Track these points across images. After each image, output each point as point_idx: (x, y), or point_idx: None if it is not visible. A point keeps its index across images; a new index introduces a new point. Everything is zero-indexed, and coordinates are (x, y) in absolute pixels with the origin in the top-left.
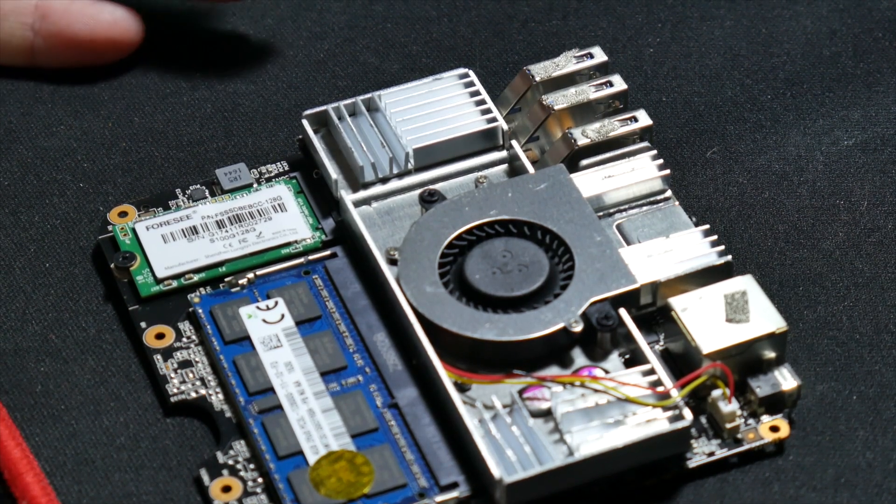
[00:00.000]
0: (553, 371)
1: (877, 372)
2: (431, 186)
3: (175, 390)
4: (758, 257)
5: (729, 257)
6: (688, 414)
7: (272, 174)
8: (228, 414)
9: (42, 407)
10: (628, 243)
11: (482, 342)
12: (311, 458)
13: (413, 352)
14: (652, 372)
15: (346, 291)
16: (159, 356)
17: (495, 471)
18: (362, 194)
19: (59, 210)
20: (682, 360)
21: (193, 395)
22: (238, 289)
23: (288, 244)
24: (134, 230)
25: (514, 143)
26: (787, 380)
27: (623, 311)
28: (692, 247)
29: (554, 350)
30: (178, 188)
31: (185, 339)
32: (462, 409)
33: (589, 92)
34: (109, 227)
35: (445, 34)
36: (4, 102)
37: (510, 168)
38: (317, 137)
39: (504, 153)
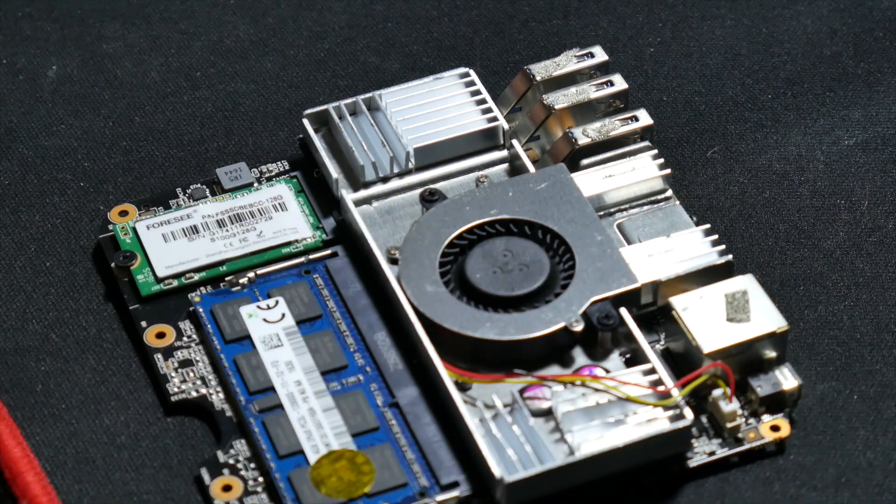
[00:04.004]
0: (554, 370)
1: (877, 371)
2: (432, 186)
3: (176, 389)
4: (758, 257)
5: (730, 257)
6: (688, 413)
7: (273, 173)
8: (229, 413)
9: (43, 406)
10: (629, 243)
11: (483, 341)
12: (312, 458)
13: (414, 351)
14: (653, 371)
15: (347, 291)
16: (160, 355)
17: (496, 470)
18: (363, 193)
19: (60, 209)
20: (682, 359)
21: (194, 394)
22: (238, 288)
23: (288, 243)
24: (134, 229)
25: (514, 142)
26: (787, 379)
27: (624, 311)
28: (693, 246)
29: (555, 349)
30: (178, 187)
31: (185, 339)
32: (463, 409)
33: (590, 91)
34: (110, 227)
35: (446, 34)
36: (4, 102)
37: (511, 167)
38: (317, 137)
39: (505, 152)
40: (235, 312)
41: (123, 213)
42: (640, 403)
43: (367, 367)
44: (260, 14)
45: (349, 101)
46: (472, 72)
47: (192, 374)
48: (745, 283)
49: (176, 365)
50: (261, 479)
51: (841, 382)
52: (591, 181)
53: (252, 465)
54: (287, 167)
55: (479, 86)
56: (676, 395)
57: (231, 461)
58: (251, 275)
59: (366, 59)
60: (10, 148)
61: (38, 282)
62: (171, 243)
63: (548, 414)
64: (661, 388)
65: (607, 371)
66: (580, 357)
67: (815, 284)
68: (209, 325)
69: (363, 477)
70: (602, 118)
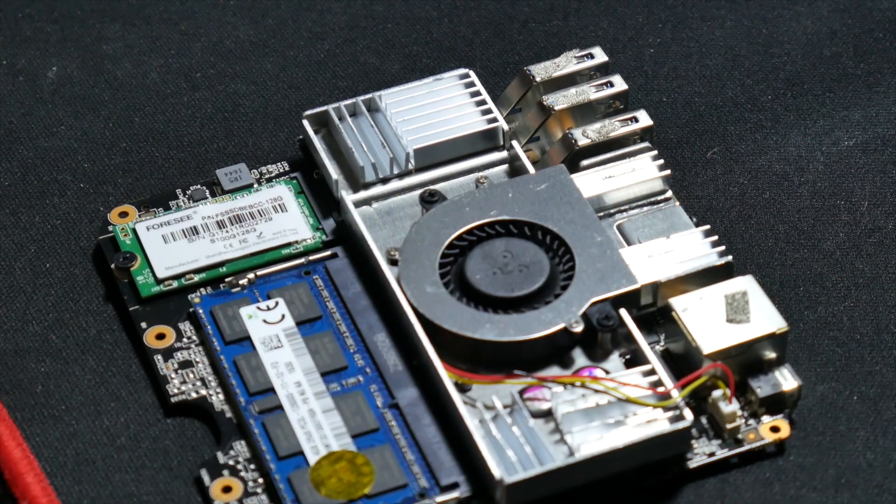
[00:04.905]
0: (553, 371)
1: (877, 372)
2: (432, 187)
3: (175, 390)
4: (758, 258)
5: (729, 258)
6: (688, 414)
7: (273, 174)
8: (229, 414)
9: (42, 407)
10: (629, 243)
11: (483, 342)
12: (312, 459)
13: (413, 352)
14: (652, 372)
15: (347, 292)
16: (160, 356)
17: (496, 471)
18: (363, 194)
19: (60, 210)
20: (682, 360)
21: (194, 395)
22: (238, 289)
23: (288, 244)
24: (134, 230)
25: (514, 143)
26: (787, 380)
27: (623, 312)
28: (693, 247)
29: (554, 350)
30: (178, 188)
31: (185, 340)
32: (462, 410)
33: (589, 92)
34: (110, 228)
35: (446, 34)
36: (5, 102)
37: (511, 168)
38: (317, 138)
39: (504, 153)
40: (235, 313)
41: (123, 215)
42: (639, 404)
43: (367, 368)
44: (260, 15)
45: (349, 102)
46: (471, 73)
47: (191, 376)
48: (745, 283)
49: (176, 366)
50: (261, 480)
51: (841, 383)
52: (591, 182)
53: (252, 467)
54: (287, 168)
55: (479, 87)
56: (676, 396)
57: (231, 462)
58: (251, 276)
59: (366, 60)
60: (10, 149)
61: (38, 283)
62: (171, 244)
63: (548, 415)
64: (660, 389)
65: (607, 372)
66: (580, 358)
67: (815, 285)
68: (209, 327)
69: (363, 478)
70: (602, 119)
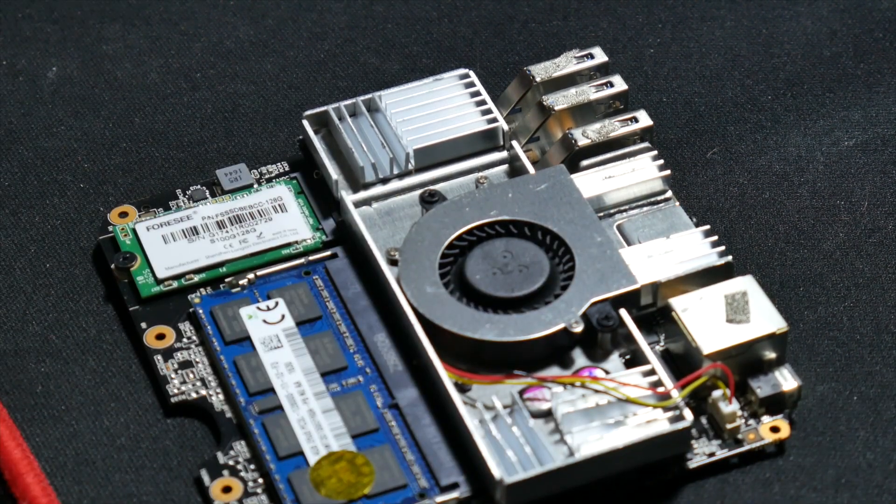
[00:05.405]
0: (553, 371)
1: (877, 372)
2: (432, 187)
3: (175, 391)
4: (758, 258)
5: (729, 258)
6: (688, 414)
7: (272, 175)
8: (229, 414)
9: (42, 407)
10: (629, 244)
11: (483, 343)
12: (312, 459)
13: (413, 352)
14: (652, 372)
15: (347, 292)
16: (160, 357)
17: (496, 471)
18: (363, 195)
19: (60, 210)
20: (682, 360)
21: (194, 395)
22: (238, 289)
23: (288, 245)
24: (134, 230)
25: (514, 143)
26: (787, 380)
27: (623, 312)
28: (693, 247)
29: (554, 350)
30: (178, 188)
31: (185, 340)
32: (462, 410)
33: (589, 92)
34: (110, 228)
35: (446, 34)
36: (5, 102)
37: (511, 168)
38: (317, 138)
39: (504, 154)
40: (235, 314)
41: (123, 215)
42: (639, 404)
43: (367, 369)
44: (260, 15)
45: (349, 102)
46: (471, 73)
47: (191, 376)
48: (745, 284)
49: (176, 366)
50: (261, 481)
51: (841, 383)
52: (591, 182)
53: (252, 467)
54: (287, 168)
55: (479, 87)
56: (676, 396)
57: (231, 462)
58: (251, 276)
59: (366, 61)
60: (10, 149)
61: (38, 283)
62: (171, 245)
63: (547, 415)
64: (660, 390)
65: (607, 372)
66: (580, 358)
67: (815, 285)
68: (209, 327)
69: (363, 478)
70: (602, 119)
